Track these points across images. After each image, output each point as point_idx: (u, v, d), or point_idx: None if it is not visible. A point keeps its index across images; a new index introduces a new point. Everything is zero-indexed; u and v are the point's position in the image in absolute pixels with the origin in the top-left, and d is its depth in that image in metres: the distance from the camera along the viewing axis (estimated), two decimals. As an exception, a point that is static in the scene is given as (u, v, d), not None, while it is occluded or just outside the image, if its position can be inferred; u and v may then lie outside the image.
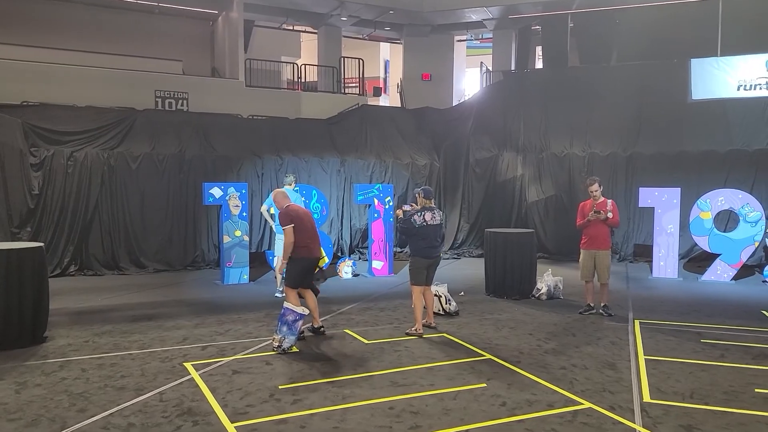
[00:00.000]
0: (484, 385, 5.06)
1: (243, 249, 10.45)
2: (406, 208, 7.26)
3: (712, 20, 14.59)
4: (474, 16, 17.97)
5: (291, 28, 20.67)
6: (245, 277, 10.43)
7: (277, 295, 9.01)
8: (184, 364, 5.68)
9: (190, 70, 16.51)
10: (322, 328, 6.89)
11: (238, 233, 10.38)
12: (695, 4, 15.23)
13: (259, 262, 11.50)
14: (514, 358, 5.86)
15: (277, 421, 4.30)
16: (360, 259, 13.23)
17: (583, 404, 4.59)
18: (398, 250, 13.57)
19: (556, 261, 12.91)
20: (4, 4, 15.10)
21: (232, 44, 16.37)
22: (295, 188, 10.04)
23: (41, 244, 6.56)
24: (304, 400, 4.72)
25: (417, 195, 7.24)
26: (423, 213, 7.00)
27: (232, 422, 4.26)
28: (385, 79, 26.07)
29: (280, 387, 5.04)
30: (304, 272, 6.71)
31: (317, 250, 6.83)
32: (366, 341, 6.57)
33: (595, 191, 7.80)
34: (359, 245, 14.06)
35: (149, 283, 10.42)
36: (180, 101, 14.75)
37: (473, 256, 14.09)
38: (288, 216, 6.60)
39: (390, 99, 23.96)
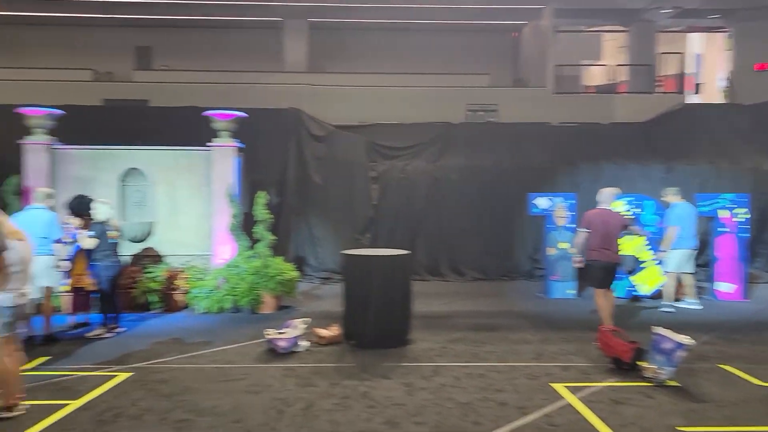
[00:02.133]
0: None
1: (568, 262, 9.96)
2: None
3: None
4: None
5: (593, 29, 19.59)
6: (570, 291, 9.93)
7: (664, 309, 8.73)
8: (552, 384, 5.42)
9: (496, 83, 16.78)
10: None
11: (563, 245, 9.94)
12: None
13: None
14: None
15: (706, 474, 3.68)
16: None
17: None
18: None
19: None
20: (342, 38, 17.40)
21: (540, 52, 16.14)
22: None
23: (409, 251, 7.05)
24: (723, 452, 4.00)
25: None
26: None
27: (648, 465, 3.78)
28: (695, 75, 23.00)
29: (678, 429, 4.39)
30: (599, 274, 7.13)
31: (611, 255, 7.10)
32: (757, 382, 5.47)
33: None
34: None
35: (471, 292, 10.63)
36: (490, 113, 15.03)
37: None
38: (585, 219, 7.31)
39: (704, 97, 21.01)
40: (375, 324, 6.55)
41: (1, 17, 17.58)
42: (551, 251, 9.95)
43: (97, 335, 6.98)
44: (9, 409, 4.52)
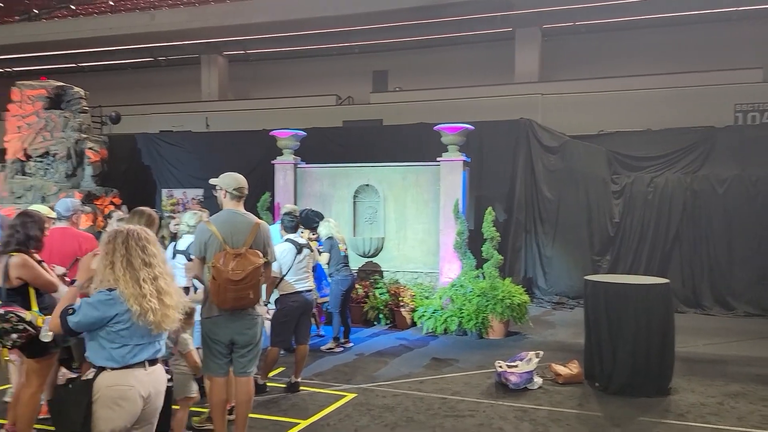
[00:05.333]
0: None
1: None
2: None
3: None
4: None
5: None
6: None
7: None
8: None
9: (773, 76, 13.90)
10: None
11: None
12: None
13: None
14: None
15: None
16: None
17: None
18: None
19: None
20: (577, 42, 16.13)
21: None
22: None
23: (667, 280, 5.84)
24: None
25: None
26: None
27: None
28: None
29: None
30: None
31: None
32: None
33: None
34: None
35: (745, 330, 8.65)
36: (766, 113, 12.44)
37: None
38: None
39: None
40: (626, 365, 5.47)
41: (259, 54, 20.09)
42: None
43: (330, 349, 7.07)
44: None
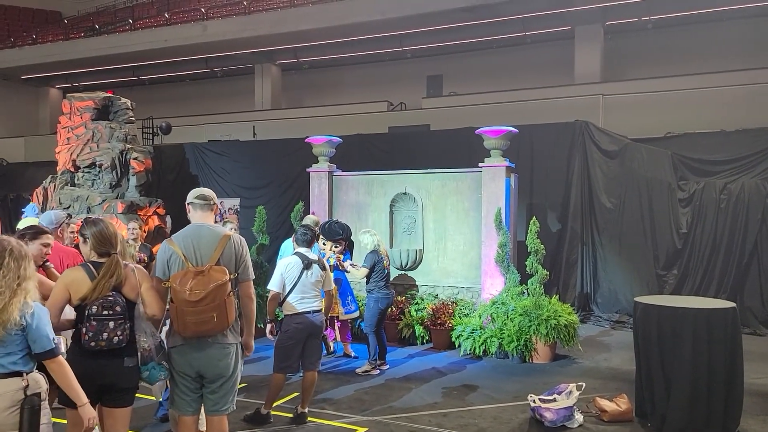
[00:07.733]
0: None
1: None
2: None
3: None
4: None
5: None
6: None
7: None
8: None
9: None
10: None
11: None
12: None
13: None
14: None
15: None
16: None
17: None
18: None
19: None
20: (641, 40, 15.03)
21: None
22: None
23: (733, 304, 4.99)
24: None
25: None
26: None
27: None
28: None
29: None
30: None
31: None
32: None
33: None
34: None
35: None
36: None
37: None
38: None
39: None
40: (683, 403, 4.67)
41: (312, 62, 19.95)
42: None
43: (366, 372, 6.54)
44: None
